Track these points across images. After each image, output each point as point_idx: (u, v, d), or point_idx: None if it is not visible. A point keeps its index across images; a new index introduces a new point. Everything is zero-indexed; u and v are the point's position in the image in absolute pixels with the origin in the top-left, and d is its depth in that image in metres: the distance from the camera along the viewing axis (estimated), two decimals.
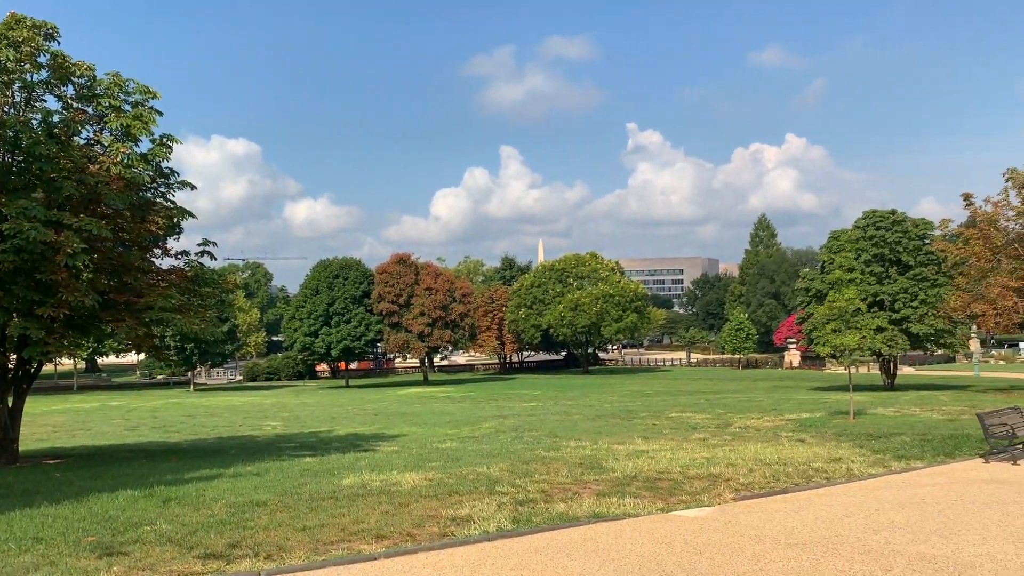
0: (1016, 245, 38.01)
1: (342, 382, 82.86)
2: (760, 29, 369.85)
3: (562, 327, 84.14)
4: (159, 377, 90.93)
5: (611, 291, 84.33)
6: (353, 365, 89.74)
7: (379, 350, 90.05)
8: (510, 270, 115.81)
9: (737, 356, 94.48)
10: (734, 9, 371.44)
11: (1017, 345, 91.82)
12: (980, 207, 38.95)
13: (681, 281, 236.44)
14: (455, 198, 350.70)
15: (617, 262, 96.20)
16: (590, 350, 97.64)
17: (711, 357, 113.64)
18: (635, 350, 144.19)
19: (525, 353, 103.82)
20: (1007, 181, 38.27)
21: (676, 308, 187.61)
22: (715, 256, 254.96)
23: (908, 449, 17.61)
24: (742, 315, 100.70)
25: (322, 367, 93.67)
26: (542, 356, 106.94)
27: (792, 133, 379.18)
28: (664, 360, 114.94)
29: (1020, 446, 16.87)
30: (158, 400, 61.56)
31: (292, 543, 9.79)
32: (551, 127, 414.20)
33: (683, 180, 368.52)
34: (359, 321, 75.16)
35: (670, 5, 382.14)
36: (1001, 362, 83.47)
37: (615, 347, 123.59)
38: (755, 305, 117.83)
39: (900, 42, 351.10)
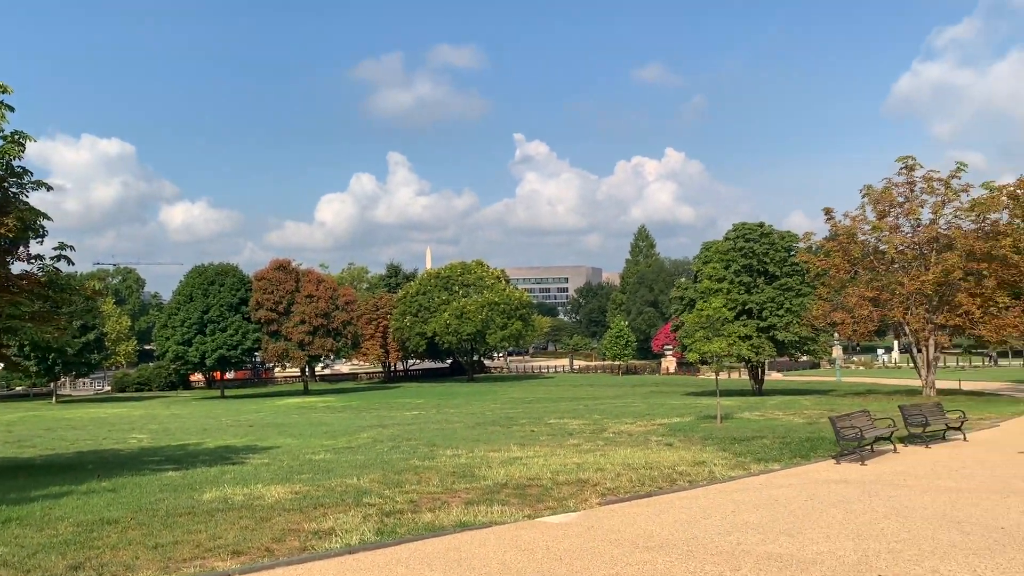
0: (872, 257, 40.53)
1: (217, 393, 79.92)
2: (642, 46, 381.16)
3: (447, 335, 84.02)
4: (18, 389, 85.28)
5: (496, 299, 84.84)
6: (229, 375, 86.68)
7: (257, 359, 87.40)
8: (395, 277, 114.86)
9: (617, 363, 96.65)
10: (617, 26, 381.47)
11: (875, 351, 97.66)
12: (840, 221, 41.35)
13: (566, 289, 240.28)
14: (341, 204, 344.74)
15: (503, 270, 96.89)
16: (475, 358, 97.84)
17: (593, 364, 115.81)
18: (520, 357, 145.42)
19: (410, 361, 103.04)
20: (863, 197, 40.83)
21: (561, 316, 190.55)
22: (599, 265, 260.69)
23: (768, 452, 18.41)
24: (622, 323, 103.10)
25: (196, 377, 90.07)
26: (427, 364, 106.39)
27: (672, 147, 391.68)
28: (548, 367, 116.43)
29: (869, 447, 17.92)
30: (15, 413, 57.70)
31: (141, 562, 9.35)
32: (440, 134, 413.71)
33: (569, 190, 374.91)
34: (236, 329, 72.74)
35: (556, 19, 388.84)
36: (861, 367, 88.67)
37: (500, 354, 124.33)
38: (635, 313, 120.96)
39: (773, 63, 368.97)
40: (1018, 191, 37.03)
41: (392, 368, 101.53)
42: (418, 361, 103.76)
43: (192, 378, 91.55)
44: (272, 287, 73.41)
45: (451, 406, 48.99)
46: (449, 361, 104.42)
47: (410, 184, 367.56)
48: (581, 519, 11.70)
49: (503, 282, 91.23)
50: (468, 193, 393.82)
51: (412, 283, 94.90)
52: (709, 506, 12.53)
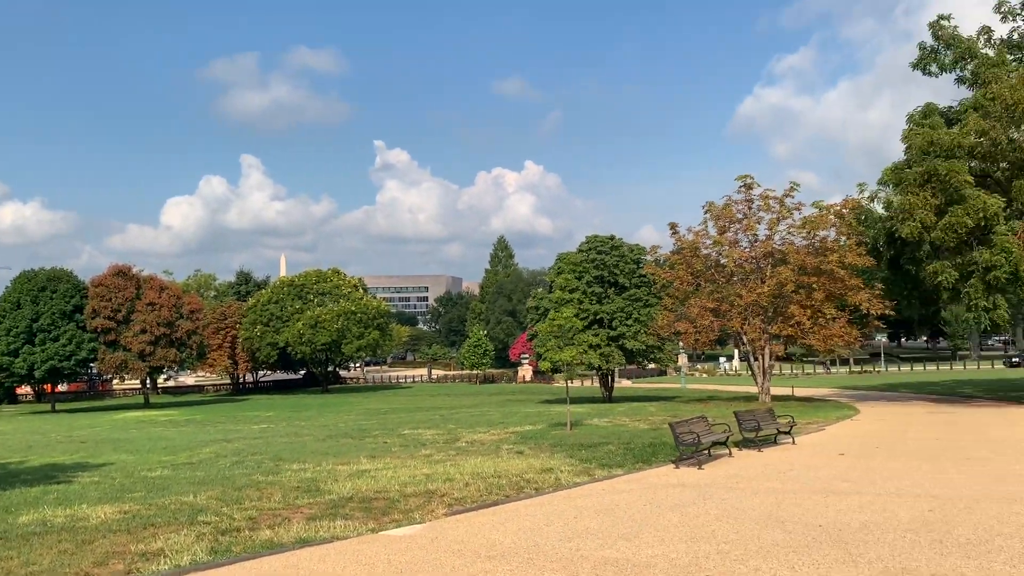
0: (713, 270, 42.62)
1: (47, 406, 74.36)
2: (503, 60, 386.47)
3: (301, 345, 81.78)
4: None
5: (353, 308, 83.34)
6: (62, 387, 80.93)
7: (93, 371, 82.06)
8: (246, 285, 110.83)
9: (475, 372, 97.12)
10: (479, 38, 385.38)
11: (718, 359, 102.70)
12: (684, 236, 43.27)
13: (426, 298, 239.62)
14: (189, 207, 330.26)
15: (360, 279, 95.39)
16: (330, 368, 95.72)
17: (452, 373, 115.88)
18: (378, 368, 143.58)
19: (260, 372, 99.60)
20: (706, 213, 42.89)
21: (421, 325, 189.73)
22: (459, 274, 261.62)
23: (612, 458, 18.94)
24: (481, 332, 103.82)
25: (24, 389, 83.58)
26: (279, 375, 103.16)
27: (531, 160, 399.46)
28: (406, 377, 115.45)
29: (706, 452, 18.75)
30: None
31: None
32: (297, 138, 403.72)
33: (430, 199, 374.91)
34: (69, 339, 67.93)
35: (418, 28, 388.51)
36: (704, 375, 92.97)
37: (357, 365, 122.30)
38: (493, 322, 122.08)
39: (626, 82, 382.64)
40: (844, 210, 39.95)
41: (241, 380, 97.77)
42: (269, 372, 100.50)
43: (19, 391, 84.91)
44: (110, 294, 69.08)
45: (302, 418, 47.63)
46: (303, 372, 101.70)
47: (264, 188, 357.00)
48: (426, 531, 11.61)
49: (360, 291, 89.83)
50: (327, 199, 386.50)
51: (264, 291, 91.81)
52: (553, 513, 12.72)
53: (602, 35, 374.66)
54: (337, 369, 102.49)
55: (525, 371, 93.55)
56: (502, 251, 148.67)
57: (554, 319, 28.63)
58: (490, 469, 17.37)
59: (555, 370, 29.92)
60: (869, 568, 8.90)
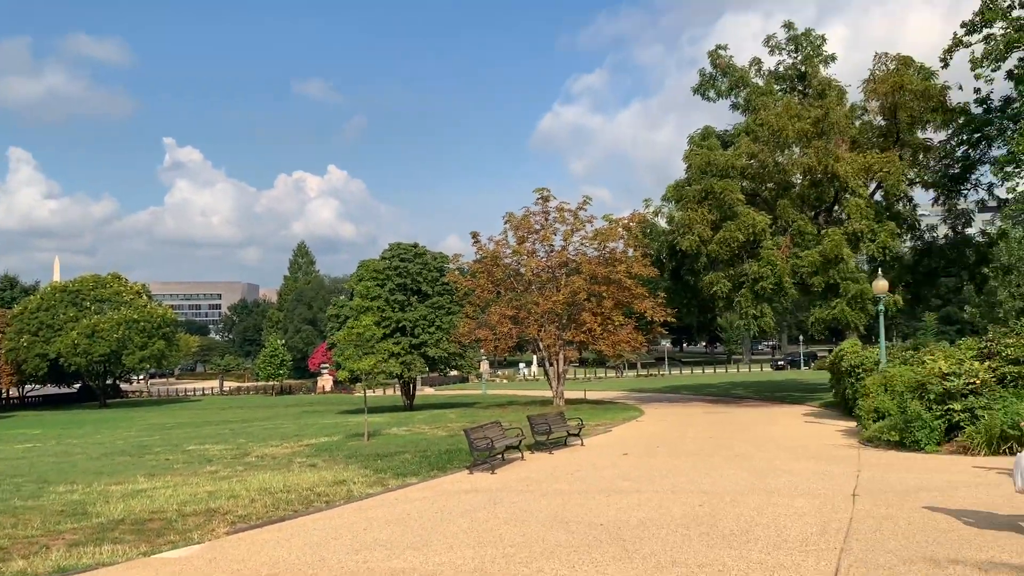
0: (512, 279, 43.65)
1: None
2: (304, 60, 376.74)
3: (75, 356, 75.08)
4: None
5: (136, 316, 77.67)
6: None
7: None
8: (11, 291, 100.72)
9: (272, 383, 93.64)
10: (279, 36, 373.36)
11: (518, 365, 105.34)
12: (485, 245, 44.02)
13: (219, 306, 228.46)
14: None
15: (144, 285, 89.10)
16: (110, 381, 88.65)
17: (246, 384, 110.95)
18: (164, 380, 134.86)
19: (28, 387, 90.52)
20: (506, 223, 43.86)
21: (213, 334, 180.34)
22: (256, 281, 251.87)
23: (408, 466, 18.82)
24: (278, 341, 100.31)
25: None
26: (50, 390, 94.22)
27: (335, 165, 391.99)
28: (196, 389, 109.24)
29: (500, 456, 19.08)
30: None
31: None
32: (75, 132, 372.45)
33: (225, 201, 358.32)
34: None
35: (211, 23, 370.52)
36: (505, 380, 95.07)
37: (141, 377, 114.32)
38: (292, 331, 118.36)
39: (432, 90, 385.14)
40: (631, 224, 42.22)
41: (5, 395, 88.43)
42: (38, 386, 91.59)
43: None
44: None
45: (75, 436, 43.73)
46: (77, 386, 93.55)
47: (35, 184, 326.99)
48: (204, 551, 10.94)
49: (144, 297, 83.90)
50: (108, 199, 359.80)
51: (32, 297, 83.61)
52: (342, 526, 12.41)
53: (408, 44, 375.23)
54: (117, 382, 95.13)
55: (325, 381, 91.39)
56: (303, 257, 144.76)
57: (353, 327, 28.12)
58: (280, 484, 16.72)
59: (355, 379, 29.38)
60: (643, 563, 9.36)
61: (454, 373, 67.23)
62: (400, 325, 47.44)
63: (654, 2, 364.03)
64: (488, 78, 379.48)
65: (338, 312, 49.81)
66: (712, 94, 42.18)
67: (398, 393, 63.21)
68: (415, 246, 51.10)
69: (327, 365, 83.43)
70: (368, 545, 10.91)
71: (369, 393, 41.30)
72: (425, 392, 70.96)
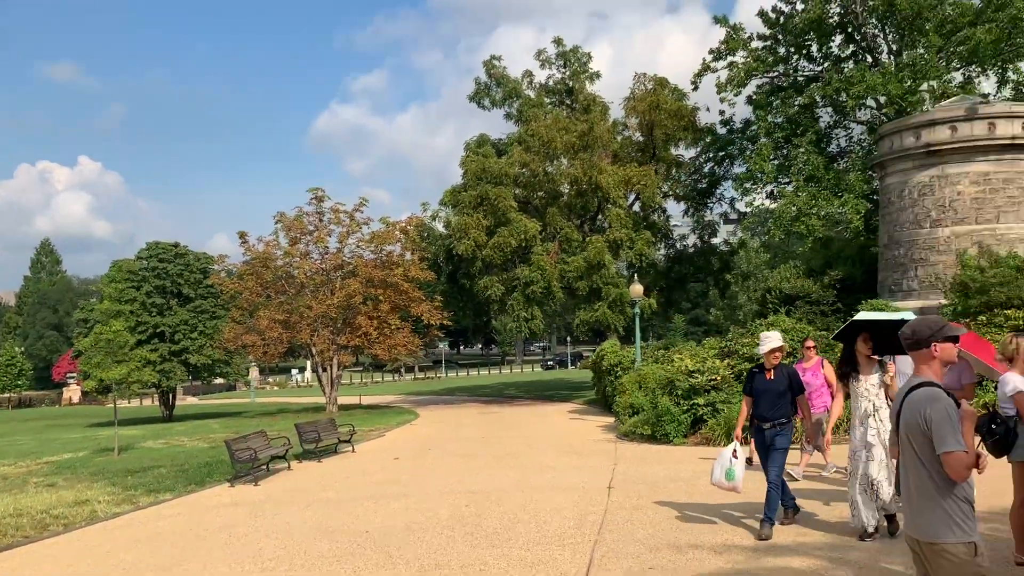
0: (284, 282, 42.18)
1: None
2: (52, 38, 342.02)
3: None
4: None
5: None
6: None
7: None
8: None
9: (8, 395, 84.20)
10: (20, 8, 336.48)
11: (290, 371, 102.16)
12: (254, 246, 42.19)
13: None
14: None
15: None
16: None
17: None
18: None
19: None
20: (277, 224, 42.33)
21: None
22: None
23: (162, 482, 17.56)
24: (16, 349, 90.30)
25: None
26: None
27: (87, 156, 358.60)
28: None
29: (264, 467, 18.28)
30: None
31: None
32: None
33: None
34: None
35: None
36: (276, 388, 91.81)
37: None
38: (34, 337, 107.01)
39: (201, 82, 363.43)
40: (408, 227, 42.28)
41: None
42: None
43: None
44: None
45: None
46: None
47: None
48: None
49: None
50: None
51: None
52: (83, 550, 11.33)
53: (175, 29, 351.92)
54: None
55: (72, 392, 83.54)
56: (47, 256, 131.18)
57: (102, 332, 25.84)
58: (8, 508, 14.98)
59: (105, 390, 26.98)
60: (407, 568, 9.30)
61: (220, 381, 63.83)
62: (158, 330, 44.40)
63: (431, 9, 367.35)
64: (262, 74, 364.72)
65: (87, 316, 45.82)
66: (487, 103, 43.27)
67: (156, 403, 59.15)
68: (176, 245, 48.08)
69: (74, 375, 76.30)
70: (111, 569, 10.02)
71: (124, 404, 38.20)
72: (187, 401, 66.83)
